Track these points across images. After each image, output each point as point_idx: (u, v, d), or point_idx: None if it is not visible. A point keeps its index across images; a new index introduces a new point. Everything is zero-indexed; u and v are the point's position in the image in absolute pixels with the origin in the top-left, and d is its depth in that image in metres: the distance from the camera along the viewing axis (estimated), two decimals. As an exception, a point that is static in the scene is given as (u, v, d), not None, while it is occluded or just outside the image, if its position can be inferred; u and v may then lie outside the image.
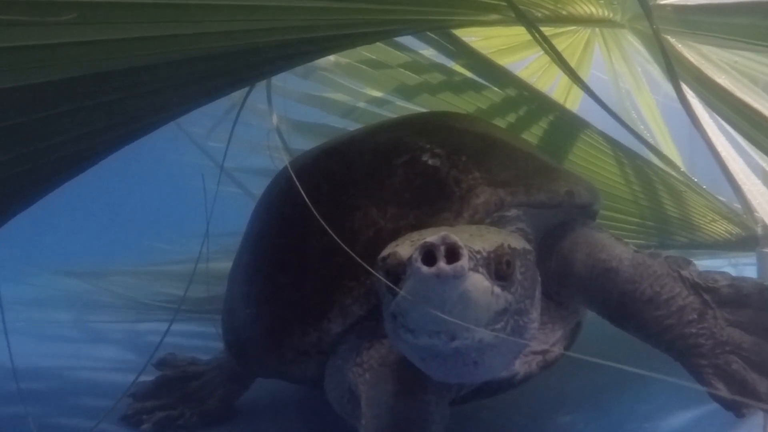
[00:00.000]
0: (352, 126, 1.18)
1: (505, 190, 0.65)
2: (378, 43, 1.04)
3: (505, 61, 1.14)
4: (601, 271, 0.64)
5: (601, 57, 1.28)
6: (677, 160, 1.25)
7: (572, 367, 0.66)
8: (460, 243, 0.45)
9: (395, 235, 0.61)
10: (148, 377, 0.88)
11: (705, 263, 1.07)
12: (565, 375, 0.80)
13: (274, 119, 1.08)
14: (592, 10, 0.94)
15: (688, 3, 0.86)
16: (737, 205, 1.01)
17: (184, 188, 1.12)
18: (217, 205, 0.94)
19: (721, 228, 1.04)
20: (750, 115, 0.79)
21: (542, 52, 1.08)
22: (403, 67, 1.06)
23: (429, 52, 1.05)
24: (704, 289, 0.62)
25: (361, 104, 1.21)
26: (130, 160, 0.75)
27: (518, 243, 0.55)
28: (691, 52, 0.90)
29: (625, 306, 0.63)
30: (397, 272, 0.50)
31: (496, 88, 1.02)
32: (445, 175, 0.67)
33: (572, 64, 1.13)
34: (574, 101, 1.27)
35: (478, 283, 0.47)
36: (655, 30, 0.77)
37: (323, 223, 0.61)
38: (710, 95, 0.86)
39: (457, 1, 0.73)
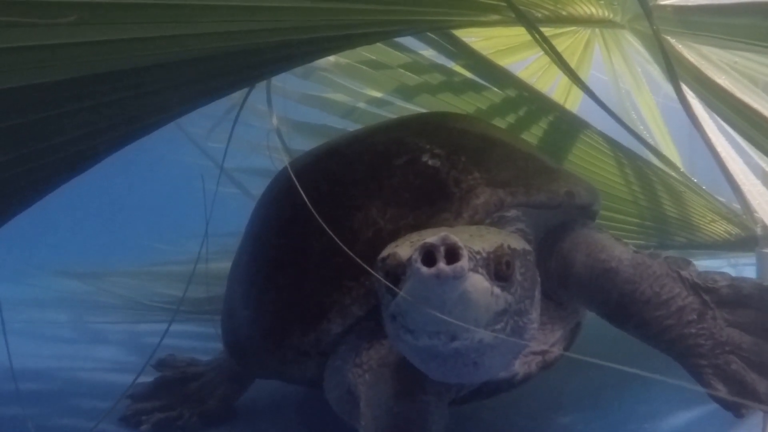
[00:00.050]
0: (352, 126, 1.18)
1: (505, 191, 0.65)
2: (378, 44, 1.04)
3: (505, 62, 1.14)
4: (601, 271, 0.64)
5: (601, 57, 1.28)
6: (677, 160, 1.25)
7: (572, 367, 0.66)
8: (460, 243, 0.45)
9: (395, 235, 0.61)
10: (147, 378, 0.88)
11: (704, 263, 1.08)
12: (564, 375, 0.80)
13: (274, 120, 1.08)
14: (592, 10, 0.94)
15: (688, 3, 0.86)
16: (737, 206, 1.01)
17: (184, 189, 1.12)
18: (217, 205, 0.94)
19: (720, 228, 1.04)
20: (750, 115, 0.79)
21: (542, 53, 1.08)
22: (403, 67, 1.06)
23: (429, 53, 1.05)
24: (704, 289, 0.62)
25: (361, 105, 1.21)
26: (129, 160, 0.75)
27: (518, 243, 0.55)
28: (691, 52, 0.90)
29: (625, 306, 0.63)
30: (397, 273, 0.50)
31: (496, 89, 1.02)
32: (445, 175, 0.67)
33: (572, 64, 1.13)
34: (574, 102, 1.27)
35: (478, 283, 0.47)
36: (655, 30, 0.77)
37: (323, 223, 0.61)
38: (710, 96, 0.86)
39: (457, 1, 0.73)
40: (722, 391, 0.58)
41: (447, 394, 0.60)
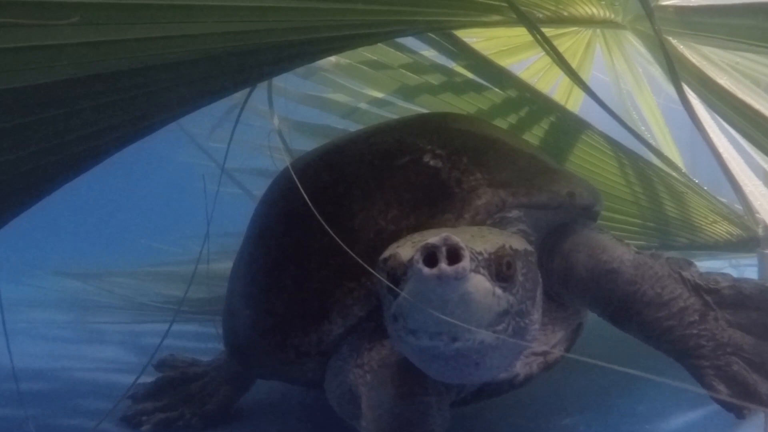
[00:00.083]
0: (353, 127, 1.18)
1: (507, 191, 0.65)
2: (379, 44, 1.04)
3: (506, 62, 1.14)
4: (603, 272, 0.64)
5: (602, 58, 1.28)
6: (678, 161, 1.25)
7: (573, 368, 0.66)
8: (462, 244, 0.44)
9: (396, 236, 0.61)
10: (148, 378, 0.88)
11: (706, 264, 1.08)
12: (565, 376, 0.80)
13: (275, 120, 1.08)
14: (594, 11, 0.93)
15: (690, 4, 0.86)
16: (738, 207, 1.01)
17: (185, 189, 1.12)
18: (218, 205, 0.94)
19: (722, 229, 1.04)
20: (751, 116, 0.79)
21: (543, 53, 1.08)
22: (405, 68, 1.06)
23: (430, 53, 1.05)
24: (705, 290, 0.62)
25: (362, 105, 1.21)
26: (130, 160, 0.75)
27: (519, 244, 0.55)
28: (693, 53, 0.90)
29: (626, 307, 0.63)
30: (399, 273, 0.50)
31: (497, 89, 1.02)
32: (447, 176, 0.67)
33: (573, 65, 1.13)
34: (576, 102, 1.28)
35: (480, 284, 0.47)
36: (656, 31, 0.77)
37: (324, 224, 0.61)
38: (712, 96, 0.86)
39: (459, 2, 0.73)
40: (724, 392, 0.58)
41: (448, 395, 0.60)
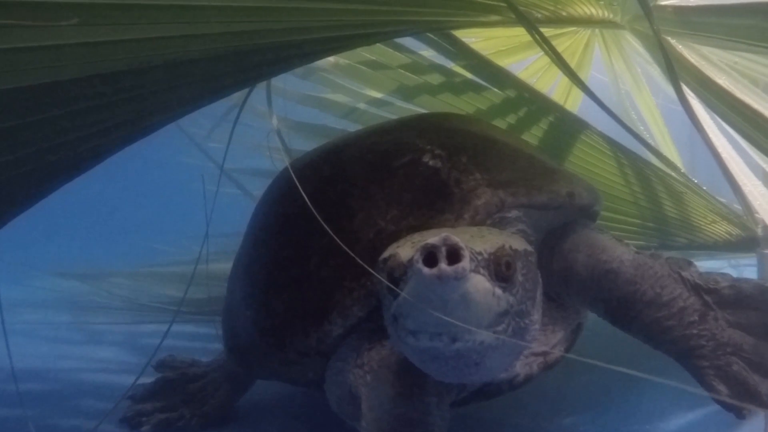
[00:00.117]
0: (352, 127, 1.18)
1: (506, 191, 0.65)
2: (378, 44, 1.04)
3: (505, 62, 1.14)
4: (602, 272, 0.64)
5: (601, 58, 1.28)
6: (677, 161, 1.25)
7: (573, 368, 0.66)
8: (462, 244, 0.44)
9: (396, 236, 0.61)
10: (147, 379, 0.87)
11: (705, 264, 1.08)
12: (565, 376, 0.80)
13: (274, 120, 1.08)
14: (592, 11, 0.94)
15: (689, 4, 0.86)
16: (737, 207, 1.01)
17: (184, 189, 1.12)
18: (217, 206, 0.94)
19: (721, 229, 1.04)
20: (750, 115, 0.79)
21: (542, 53, 1.08)
22: (403, 68, 1.06)
23: (429, 53, 1.05)
24: (705, 290, 0.62)
25: (361, 105, 1.21)
26: (130, 161, 0.75)
27: (519, 244, 0.55)
28: (692, 53, 0.90)
29: (626, 307, 0.63)
30: (398, 274, 0.50)
31: (496, 89, 1.02)
32: (446, 176, 0.66)
33: (572, 65, 1.13)
34: (574, 102, 1.28)
35: (480, 284, 0.47)
36: (655, 31, 0.77)
37: (324, 224, 0.61)
38: (710, 96, 0.86)
39: (457, 2, 0.73)
40: (724, 392, 0.58)
41: (448, 395, 0.60)
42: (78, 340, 1.40)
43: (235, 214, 1.01)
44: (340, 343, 0.65)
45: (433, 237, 0.45)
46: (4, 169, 0.60)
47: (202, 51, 0.57)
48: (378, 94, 1.17)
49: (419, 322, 0.48)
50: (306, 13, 0.59)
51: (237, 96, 0.89)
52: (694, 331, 0.60)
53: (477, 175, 0.66)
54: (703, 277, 0.63)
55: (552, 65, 1.18)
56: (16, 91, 0.52)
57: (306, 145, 1.13)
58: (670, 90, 1.07)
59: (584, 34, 1.17)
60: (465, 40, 0.99)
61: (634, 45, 1.20)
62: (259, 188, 0.90)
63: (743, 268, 1.15)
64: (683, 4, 0.87)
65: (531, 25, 0.81)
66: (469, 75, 1.03)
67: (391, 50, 1.05)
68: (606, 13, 0.96)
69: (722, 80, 0.84)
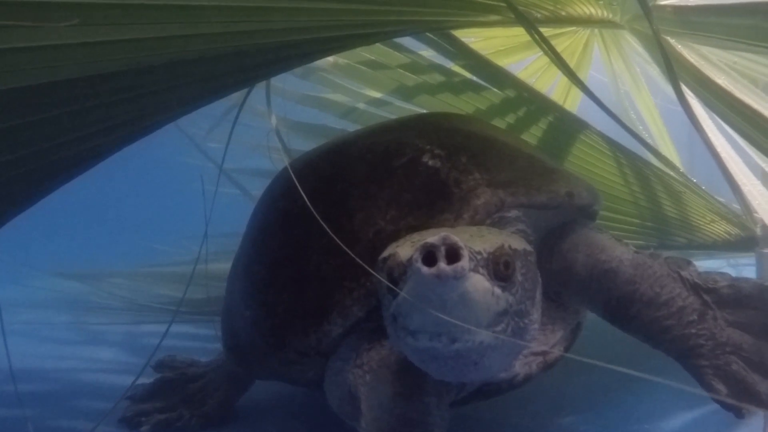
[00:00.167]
0: (352, 127, 1.18)
1: (506, 191, 0.65)
2: (377, 44, 1.04)
3: (504, 62, 1.14)
4: (601, 272, 0.64)
5: (600, 58, 1.28)
6: (676, 160, 1.25)
7: (572, 368, 0.66)
8: (461, 243, 0.44)
9: (395, 236, 0.61)
10: (146, 379, 0.87)
11: (704, 264, 1.08)
12: (565, 376, 0.80)
13: (274, 120, 1.08)
14: (592, 11, 0.94)
15: (688, 4, 0.86)
16: (736, 206, 1.01)
17: (183, 189, 1.12)
18: (216, 206, 0.94)
19: (720, 229, 1.04)
20: (749, 115, 0.79)
21: (541, 53, 1.08)
22: (403, 67, 1.06)
23: (428, 53, 1.05)
24: (704, 289, 0.62)
25: (361, 105, 1.21)
26: (129, 161, 0.75)
27: (519, 244, 0.55)
28: (691, 52, 0.90)
29: (625, 307, 0.63)
30: (398, 273, 0.50)
31: (495, 89, 1.02)
32: (446, 176, 0.67)
33: (571, 64, 1.13)
34: (574, 102, 1.28)
35: (479, 283, 0.47)
36: (654, 31, 0.77)
37: (323, 224, 0.61)
38: (710, 96, 0.86)
39: (457, 2, 0.73)
40: (723, 391, 0.58)
41: (447, 395, 0.60)
42: (77, 340, 1.40)
43: (235, 214, 1.01)
44: (339, 342, 0.65)
45: (432, 236, 0.45)
46: (4, 169, 0.60)
47: (202, 51, 0.57)
48: (377, 94, 1.17)
49: (418, 322, 0.48)
50: (305, 13, 0.59)
51: (236, 96, 0.89)
52: (693, 331, 0.60)
53: (476, 175, 0.66)
54: (702, 276, 0.63)
55: (551, 65, 1.18)
56: (16, 91, 0.52)
57: (305, 144, 1.13)
58: (669, 90, 1.08)
59: (583, 33, 1.17)
60: (464, 39, 0.99)
61: (633, 45, 1.20)
62: (258, 188, 0.90)
63: (742, 268, 1.16)
64: (683, 3, 0.87)
65: (530, 24, 0.81)
66: (468, 75, 1.03)
67: (390, 50, 1.05)
68: (605, 13, 0.96)
69: (722, 80, 0.84)
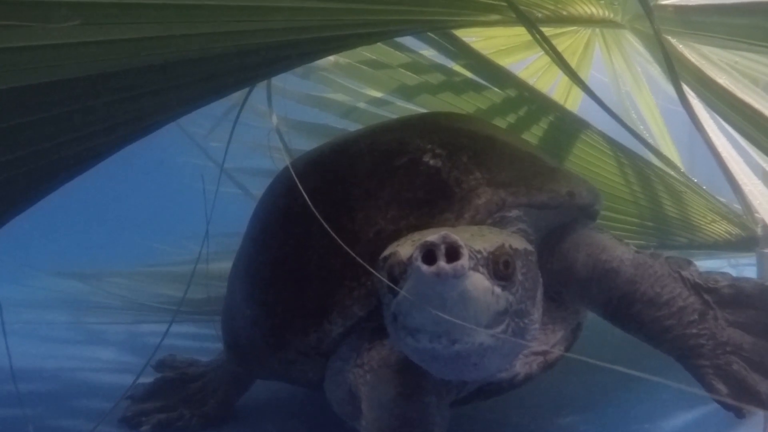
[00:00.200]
0: (352, 126, 1.18)
1: (507, 191, 0.65)
2: (378, 44, 1.04)
3: (505, 62, 1.14)
4: (602, 271, 0.64)
5: (601, 57, 1.28)
6: (677, 160, 1.25)
7: (573, 367, 0.66)
8: (461, 242, 0.44)
9: (396, 235, 0.61)
10: (147, 379, 0.87)
11: (705, 264, 1.08)
12: (565, 376, 0.80)
13: (274, 119, 1.08)
14: (593, 10, 0.93)
15: (689, 3, 0.86)
16: (737, 206, 1.01)
17: (184, 189, 1.12)
18: (217, 205, 0.94)
19: (721, 228, 1.04)
20: (750, 115, 0.79)
21: (542, 53, 1.08)
22: (404, 67, 1.06)
23: (429, 53, 1.05)
24: (705, 289, 0.62)
25: (362, 104, 1.21)
26: (129, 160, 0.75)
27: (519, 243, 0.55)
28: (692, 52, 0.90)
29: (626, 307, 0.63)
30: (398, 272, 0.50)
31: (496, 89, 1.02)
32: (447, 175, 0.66)
33: (572, 64, 1.13)
34: (574, 102, 1.28)
35: (478, 282, 0.47)
36: (655, 30, 0.77)
37: (324, 223, 0.61)
38: (711, 95, 0.86)
39: (458, 1, 0.73)
40: (723, 391, 0.58)
41: (448, 395, 0.60)
42: (77, 340, 1.40)
43: (236, 213, 1.01)
44: (340, 342, 0.65)
45: (432, 235, 0.45)
46: (4, 169, 0.60)
47: (203, 50, 0.57)
48: (378, 94, 1.17)
49: (418, 321, 0.48)
50: (306, 13, 0.59)
51: (237, 95, 0.89)
52: (694, 331, 0.60)
53: (477, 175, 0.66)
54: (702, 276, 0.63)
55: (552, 65, 1.18)
56: (16, 90, 0.52)
57: (306, 144, 1.13)
58: (670, 89, 1.07)
59: (585, 33, 1.17)
60: (465, 39, 0.99)
61: (634, 44, 1.20)
62: (259, 188, 0.90)
63: (743, 268, 1.15)
64: (684, 3, 0.87)
65: (531, 24, 0.80)
66: (469, 74, 1.03)
67: (391, 49, 1.05)
68: (606, 13, 0.96)
69: (723, 80, 0.84)
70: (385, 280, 0.52)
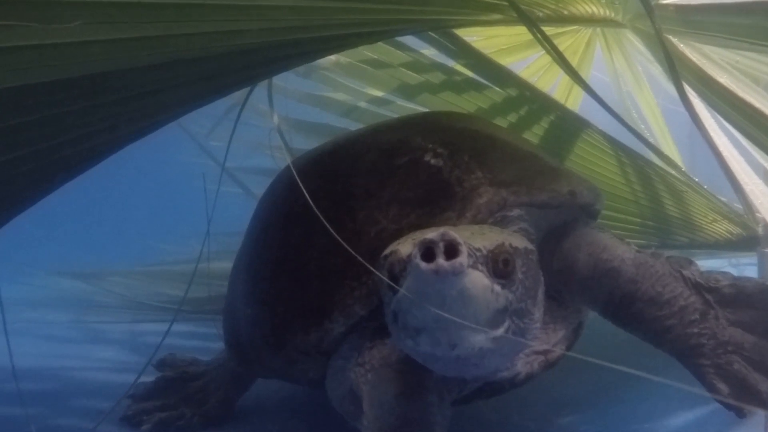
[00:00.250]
0: (353, 125, 1.18)
1: (508, 190, 0.65)
2: (379, 43, 1.04)
3: (506, 61, 1.14)
4: (603, 271, 0.64)
5: (602, 57, 1.28)
6: (678, 159, 1.25)
7: (574, 367, 0.66)
8: (459, 240, 0.45)
9: (398, 234, 0.61)
10: (148, 378, 0.88)
11: (706, 263, 1.07)
12: (566, 375, 0.80)
13: (275, 119, 1.08)
14: (594, 9, 0.93)
15: (690, 3, 0.86)
16: (738, 205, 1.01)
17: (185, 188, 1.12)
18: (218, 204, 0.94)
19: (722, 228, 1.04)
20: (751, 114, 0.79)
21: (543, 52, 1.08)
22: (405, 66, 1.06)
23: (430, 52, 1.05)
24: (706, 289, 0.62)
25: (363, 104, 1.21)
26: (130, 159, 0.75)
27: (520, 242, 0.55)
28: (693, 51, 0.90)
29: (627, 306, 0.63)
30: (398, 270, 0.50)
31: (497, 88, 1.01)
32: (448, 174, 0.66)
33: (573, 63, 1.13)
34: (575, 101, 1.27)
35: (477, 280, 0.47)
36: (656, 30, 0.77)
37: (325, 222, 0.61)
38: (712, 95, 0.86)
39: (459, 0, 0.73)
40: (724, 391, 0.58)
41: (449, 394, 0.60)
42: (78, 339, 1.41)
43: (237, 212, 1.01)
44: (341, 341, 0.65)
45: (431, 233, 0.45)
46: (4, 168, 0.60)
47: (203, 50, 0.57)
48: (379, 93, 1.17)
49: (418, 319, 0.48)
50: (307, 12, 0.59)
51: (238, 95, 0.89)
52: (695, 330, 0.60)
53: (479, 174, 0.66)
54: (703, 275, 0.63)
55: (553, 64, 1.18)
56: (16, 90, 0.52)
57: (307, 143, 1.13)
58: (671, 89, 1.07)
59: (585, 32, 1.17)
60: (466, 38, 0.99)
61: (635, 44, 1.20)
62: (260, 187, 0.90)
63: (744, 267, 1.15)
64: (685, 2, 0.87)
65: (532, 23, 0.80)
66: (470, 74, 1.03)
67: (392, 49, 1.05)
68: (607, 12, 0.96)
69: (723, 79, 0.84)
70: (386, 279, 0.52)
